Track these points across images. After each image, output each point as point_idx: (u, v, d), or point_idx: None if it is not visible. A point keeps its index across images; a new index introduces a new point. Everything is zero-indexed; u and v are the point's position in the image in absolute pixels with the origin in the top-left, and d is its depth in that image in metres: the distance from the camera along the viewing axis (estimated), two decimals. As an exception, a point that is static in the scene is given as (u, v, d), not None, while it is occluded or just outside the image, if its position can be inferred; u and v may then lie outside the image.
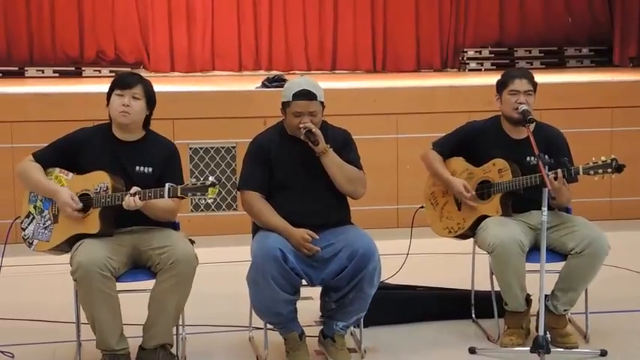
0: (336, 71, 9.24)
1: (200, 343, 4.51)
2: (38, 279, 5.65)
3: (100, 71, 8.67)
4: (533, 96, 4.55)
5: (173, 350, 4.21)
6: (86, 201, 4.10)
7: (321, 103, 4.29)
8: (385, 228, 6.44)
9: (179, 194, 3.98)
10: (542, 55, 9.42)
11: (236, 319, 4.71)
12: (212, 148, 6.82)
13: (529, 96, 4.51)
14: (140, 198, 3.99)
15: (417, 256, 5.28)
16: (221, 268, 5.72)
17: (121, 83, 4.19)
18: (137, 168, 4.18)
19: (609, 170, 4.27)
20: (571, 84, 7.52)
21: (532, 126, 4.45)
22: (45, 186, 4.17)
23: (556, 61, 9.41)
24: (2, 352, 4.33)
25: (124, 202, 4.00)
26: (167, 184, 3.99)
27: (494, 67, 9.02)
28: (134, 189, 4.01)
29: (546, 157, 4.19)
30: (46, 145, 4.30)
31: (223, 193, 6.84)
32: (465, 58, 9.34)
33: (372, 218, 6.29)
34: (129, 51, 8.95)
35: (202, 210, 6.81)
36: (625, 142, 6.97)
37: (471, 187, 4.55)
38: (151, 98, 4.23)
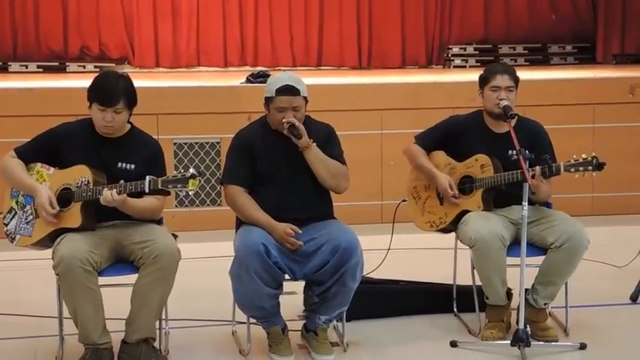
0: (322, 67, 9.25)
1: (183, 338, 4.53)
2: (21, 274, 5.63)
3: (84, 67, 8.65)
4: (515, 92, 4.57)
5: (156, 344, 4.21)
6: (67, 195, 4.10)
7: (305, 98, 4.30)
8: (369, 224, 6.46)
9: (160, 186, 3.98)
10: (526, 52, 9.48)
11: (219, 314, 4.72)
12: (196, 143, 6.82)
13: (510, 92, 4.54)
14: (118, 192, 3.99)
15: (399, 251, 5.31)
16: (205, 263, 5.73)
17: (101, 99, 4.08)
18: (119, 164, 4.16)
19: (590, 168, 4.31)
20: (554, 80, 7.57)
21: (514, 121, 4.48)
22: (25, 183, 4.16)
23: (540, 58, 9.46)
24: (-16, 346, 4.35)
25: (101, 197, 3.99)
26: (148, 177, 3.99)
27: (479, 64, 9.05)
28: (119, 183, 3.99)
29: (527, 152, 4.23)
30: (28, 140, 4.30)
31: (207, 188, 6.85)
32: (449, 55, 9.38)
33: (357, 214, 6.32)
34: (113, 46, 8.93)
35: (187, 205, 6.82)
36: (607, 139, 7.02)
37: (454, 183, 4.58)
38: (132, 103, 4.15)
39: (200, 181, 4.00)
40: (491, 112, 4.57)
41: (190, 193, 4.03)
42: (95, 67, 8.42)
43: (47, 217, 4.08)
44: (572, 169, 4.32)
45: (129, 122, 4.26)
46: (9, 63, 8.56)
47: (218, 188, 6.72)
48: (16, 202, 4.25)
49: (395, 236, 5.09)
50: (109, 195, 3.98)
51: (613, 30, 9.39)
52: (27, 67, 8.54)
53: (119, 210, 4.09)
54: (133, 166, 4.17)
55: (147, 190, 4.01)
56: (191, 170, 3.98)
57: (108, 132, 4.16)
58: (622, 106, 7.23)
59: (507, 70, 4.59)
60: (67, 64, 8.71)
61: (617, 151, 6.87)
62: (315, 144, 4.28)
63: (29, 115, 6.32)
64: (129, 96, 4.13)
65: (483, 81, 4.60)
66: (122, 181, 4.04)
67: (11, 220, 4.24)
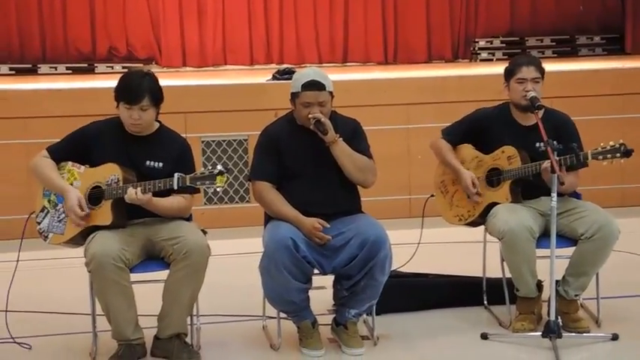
0: (348, 64, 9.25)
1: (214, 333, 4.56)
2: (54, 272, 5.71)
3: (112, 67, 8.72)
4: (541, 83, 4.55)
5: (188, 340, 4.25)
6: (98, 193, 4.15)
7: (330, 93, 4.32)
8: (398, 218, 6.47)
9: (188, 183, 4.02)
10: (553, 44, 9.39)
11: (250, 309, 4.74)
12: (224, 141, 6.87)
13: (536, 83, 4.52)
14: (147, 190, 4.02)
15: (429, 245, 5.30)
16: (234, 259, 5.76)
17: (127, 98, 4.13)
18: (147, 162, 4.20)
19: (618, 155, 4.28)
20: (582, 71, 7.52)
21: (541, 112, 4.47)
22: (55, 184, 4.21)
23: (568, 50, 9.38)
24: (19, 343, 4.40)
25: (126, 195, 4.03)
26: (176, 174, 4.02)
27: (506, 57, 8.99)
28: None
29: (555, 142, 4.21)
30: (59, 140, 4.36)
31: (236, 185, 6.89)
32: (476, 49, 9.33)
33: (385, 209, 6.32)
34: (141, 47, 8.99)
35: (216, 203, 6.86)
36: (636, 129, 6.93)
37: (479, 177, 4.57)
38: (158, 100, 4.19)
39: (228, 178, 4.03)
40: (518, 104, 4.55)
41: (218, 189, 4.06)
42: (123, 67, 8.48)
43: (76, 220, 4.13)
44: (600, 157, 4.29)
45: (157, 121, 4.30)
46: (38, 65, 8.65)
47: (246, 185, 6.76)
48: (49, 201, 4.30)
49: (424, 230, 5.08)
50: (133, 193, 4.02)
51: (641, 20, 9.31)
52: (56, 69, 8.63)
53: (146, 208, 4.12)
54: (161, 164, 4.20)
55: (175, 187, 4.05)
56: (219, 167, 4.01)
57: (136, 130, 4.21)
58: (652, 97, 7.18)
59: (533, 62, 4.57)
60: (95, 65, 8.79)
61: (647, 142, 6.82)
62: (341, 139, 4.29)
63: (59, 115, 6.39)
64: (154, 93, 4.17)
65: (509, 73, 4.58)
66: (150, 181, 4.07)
67: (44, 218, 4.30)
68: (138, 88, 4.14)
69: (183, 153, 4.28)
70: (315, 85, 4.26)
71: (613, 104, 7.11)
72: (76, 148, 4.27)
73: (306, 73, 4.36)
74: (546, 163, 4.26)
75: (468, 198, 4.63)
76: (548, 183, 4.21)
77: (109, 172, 4.14)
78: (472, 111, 4.81)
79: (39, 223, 4.32)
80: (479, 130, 4.67)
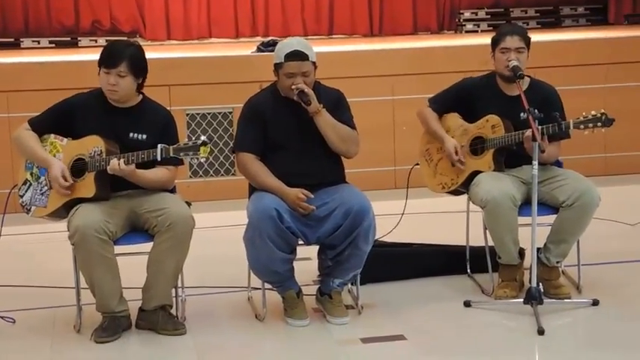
0: (333, 36, 9.22)
1: (199, 304, 4.58)
2: (38, 246, 5.70)
3: (96, 41, 8.65)
4: (526, 52, 4.56)
5: (173, 311, 4.28)
6: (81, 165, 4.14)
7: (313, 63, 4.31)
8: (383, 189, 6.49)
9: (171, 154, 4.02)
10: (537, 14, 9.40)
11: (235, 281, 4.76)
12: (209, 113, 6.85)
13: (520, 53, 4.52)
14: (130, 161, 4.02)
15: (413, 215, 5.33)
16: (219, 232, 5.77)
17: (105, 61, 4.14)
18: (131, 134, 4.19)
19: (599, 124, 4.31)
20: (565, 41, 7.53)
21: (525, 82, 4.49)
22: (38, 156, 4.20)
23: (552, 21, 9.39)
24: (3, 317, 4.40)
25: (108, 166, 4.02)
26: (159, 145, 4.02)
27: (491, 29, 8.98)
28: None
29: (536, 111, 4.22)
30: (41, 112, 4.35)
31: (221, 158, 6.89)
32: (461, 20, 9.33)
33: (370, 180, 6.34)
34: (124, 20, 8.93)
35: (201, 175, 6.87)
36: (619, 98, 6.97)
37: (464, 145, 4.59)
38: (138, 70, 4.17)
39: (212, 149, 4.03)
40: (501, 74, 4.57)
41: (202, 160, 4.06)
42: (107, 41, 8.33)
43: (60, 190, 4.13)
44: (582, 126, 4.32)
45: (141, 93, 4.29)
46: (21, 39, 8.58)
47: (231, 158, 6.75)
48: (31, 174, 4.29)
49: (408, 201, 5.10)
50: (115, 164, 4.01)
51: (625, -10, 9.31)
52: (39, 43, 8.56)
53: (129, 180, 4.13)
54: (144, 136, 4.20)
55: (159, 159, 4.04)
56: (202, 138, 4.01)
57: (114, 98, 4.19)
58: (634, 66, 7.19)
59: (517, 31, 4.57)
60: (78, 38, 8.72)
61: (629, 111, 6.85)
62: (324, 109, 4.29)
63: (42, 89, 6.35)
64: (134, 61, 4.15)
65: (494, 43, 4.58)
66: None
67: (26, 191, 4.30)
68: (118, 54, 4.13)
69: (166, 124, 4.27)
70: (298, 55, 4.25)
71: (596, 73, 7.13)
72: (58, 120, 4.25)
73: (288, 43, 4.35)
74: (529, 132, 4.29)
75: (453, 165, 4.65)
76: (529, 151, 4.23)
77: (92, 144, 4.13)
78: (459, 80, 4.82)
79: (21, 196, 4.31)
80: (465, 99, 4.68)
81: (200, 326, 4.31)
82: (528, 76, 4.60)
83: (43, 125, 4.26)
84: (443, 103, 4.74)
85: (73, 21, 8.81)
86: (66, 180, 4.11)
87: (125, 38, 8.19)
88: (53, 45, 8.57)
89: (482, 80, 4.72)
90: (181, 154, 4.02)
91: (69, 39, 8.70)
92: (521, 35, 4.55)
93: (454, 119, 4.71)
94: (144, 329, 4.24)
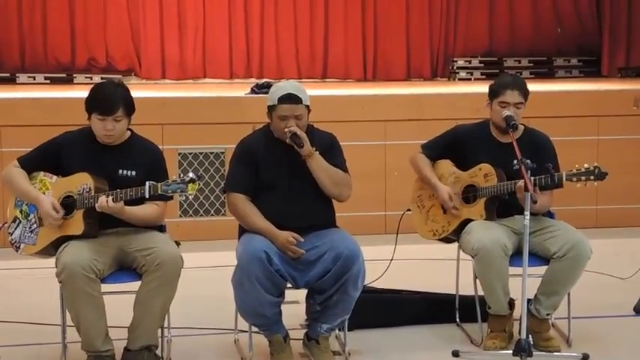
0: (327, 79, 9.28)
1: (185, 345, 4.54)
2: (24, 282, 5.64)
3: (91, 78, 8.67)
4: (523, 108, 4.57)
5: (158, 352, 4.22)
6: (70, 203, 4.12)
7: (307, 106, 4.32)
8: (373, 234, 6.47)
9: (159, 191, 4.00)
10: (531, 65, 9.48)
11: (222, 322, 4.72)
12: (201, 153, 6.85)
13: (518, 109, 4.54)
14: (113, 199, 4.00)
15: (402, 262, 5.31)
16: (208, 272, 5.74)
17: (101, 108, 4.11)
18: (120, 171, 4.18)
19: (592, 177, 4.32)
20: (557, 92, 7.57)
21: (519, 130, 4.52)
22: (27, 193, 4.18)
23: (545, 71, 9.46)
24: (-13, 353, 4.36)
25: (97, 204, 4.00)
26: (147, 182, 4.01)
27: (484, 77, 9.07)
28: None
29: (528, 161, 4.23)
30: (31, 149, 4.33)
31: (212, 198, 6.87)
32: (454, 68, 9.40)
33: (360, 224, 6.33)
34: (120, 58, 8.98)
35: (191, 215, 6.84)
36: (611, 151, 7.02)
37: (456, 193, 4.59)
38: (131, 111, 4.18)
39: (199, 185, 4.02)
40: (498, 126, 4.58)
41: (190, 197, 4.05)
42: (102, 78, 8.44)
43: (54, 223, 4.10)
44: (574, 179, 4.33)
45: (129, 129, 4.29)
46: (17, 74, 8.61)
47: (222, 198, 6.74)
48: (20, 212, 4.27)
49: (398, 247, 5.09)
50: (104, 201, 3.99)
51: (618, 43, 9.40)
52: (34, 79, 8.59)
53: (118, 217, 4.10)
54: (134, 173, 4.19)
55: (147, 196, 4.03)
56: (190, 174, 4.00)
57: (109, 141, 4.19)
58: (626, 119, 7.24)
59: (517, 85, 4.55)
60: (74, 75, 8.76)
61: (621, 164, 6.87)
62: (317, 152, 4.29)
63: (36, 124, 6.35)
64: (127, 104, 4.16)
65: (493, 94, 4.59)
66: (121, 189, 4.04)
67: (15, 229, 4.27)
68: (111, 99, 4.12)
69: (155, 160, 4.27)
70: (291, 99, 4.27)
71: (588, 126, 7.17)
72: (47, 159, 4.24)
73: (283, 86, 4.37)
74: (521, 182, 4.29)
75: (444, 213, 4.64)
76: (522, 201, 4.23)
77: (81, 182, 4.12)
78: (452, 127, 4.83)
79: (11, 234, 4.28)
80: (458, 146, 4.69)
81: (185, 368, 4.27)
82: (522, 124, 4.61)
83: (31, 163, 4.25)
84: (436, 150, 4.75)
85: (69, 58, 8.85)
86: (57, 212, 4.07)
87: (120, 77, 8.24)
88: (48, 81, 8.60)
89: (475, 127, 4.74)
90: (169, 191, 4.01)
91: (64, 75, 8.74)
92: (520, 90, 4.54)
93: (446, 166, 4.72)
94: (128, 369, 4.19)
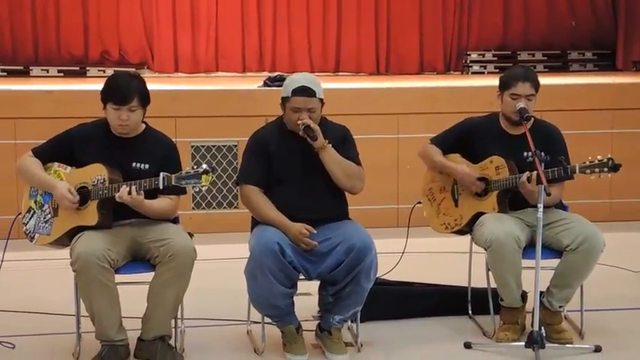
0: (340, 73, 9.27)
1: (198, 336, 4.55)
2: (39, 273, 5.69)
3: (104, 71, 8.68)
4: (535, 100, 4.56)
5: (172, 342, 4.25)
6: (84, 194, 4.14)
7: (321, 100, 4.33)
8: (385, 227, 6.47)
9: (173, 182, 4.01)
10: (545, 58, 9.43)
11: (234, 314, 4.74)
12: (213, 146, 6.87)
13: (530, 101, 4.52)
14: (136, 189, 4.01)
15: (415, 254, 5.32)
16: (221, 264, 5.75)
17: (116, 98, 4.12)
18: (134, 164, 4.19)
19: (605, 169, 4.30)
20: (572, 86, 7.54)
21: (530, 123, 4.50)
22: (43, 181, 4.21)
23: (559, 65, 9.41)
24: (3, 342, 4.38)
25: (117, 193, 4.01)
26: (162, 174, 4.02)
27: (497, 71, 9.03)
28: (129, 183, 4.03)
29: (542, 153, 4.22)
30: (45, 141, 4.35)
31: (225, 190, 6.89)
32: (468, 61, 9.36)
33: (373, 217, 6.33)
34: (133, 51, 8.99)
35: (204, 207, 6.86)
36: (625, 144, 6.99)
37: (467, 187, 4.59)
38: (146, 101, 4.20)
39: (212, 177, 4.03)
40: (509, 117, 4.57)
41: (203, 188, 4.06)
42: (115, 71, 8.45)
43: (71, 207, 4.11)
44: (588, 171, 4.32)
45: (143, 122, 4.30)
46: (30, 67, 8.64)
47: (235, 191, 6.76)
48: (35, 202, 4.30)
49: (410, 240, 5.09)
50: (125, 192, 4.01)
51: (633, 36, 9.33)
52: (48, 72, 8.62)
53: (135, 209, 4.12)
54: (147, 166, 4.20)
55: (161, 187, 4.04)
56: (204, 166, 4.01)
57: (124, 131, 4.20)
58: (641, 112, 7.22)
59: (529, 77, 4.53)
60: (87, 68, 8.78)
61: (636, 157, 6.86)
62: (330, 145, 4.30)
63: (49, 117, 6.38)
64: (143, 94, 4.17)
65: (504, 85, 4.57)
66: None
67: (30, 219, 4.30)
68: (127, 89, 4.14)
69: (169, 153, 4.28)
70: (305, 91, 4.27)
71: (602, 119, 7.15)
72: (61, 150, 4.26)
73: (297, 78, 4.37)
74: (524, 177, 4.28)
75: (456, 206, 4.63)
76: (525, 195, 4.24)
77: (95, 173, 4.14)
78: (461, 120, 4.83)
79: (25, 224, 4.31)
80: (468, 139, 4.68)
81: (198, 358, 4.29)
82: (532, 116, 4.60)
83: (46, 154, 4.28)
84: (445, 143, 4.74)
85: (82, 51, 8.87)
86: (73, 195, 4.09)
87: (126, 69, 8.25)
88: (62, 74, 8.62)
89: (484, 120, 4.73)
90: (183, 182, 4.02)
91: (77, 68, 8.76)
92: (532, 82, 4.52)
93: (456, 160, 4.70)
94: (142, 359, 4.21)
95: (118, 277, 4.12)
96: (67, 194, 4.10)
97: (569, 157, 4.53)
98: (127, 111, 4.13)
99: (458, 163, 4.64)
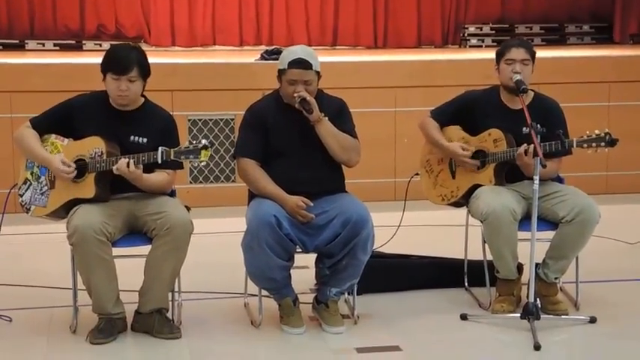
0: (337, 47, 9.24)
1: (196, 309, 4.57)
2: (36, 246, 5.70)
3: (100, 45, 8.65)
4: (531, 66, 4.55)
5: (169, 315, 4.26)
6: (81, 166, 4.14)
7: (317, 72, 4.31)
8: (382, 201, 6.48)
9: (172, 157, 4.01)
10: (542, 32, 9.41)
11: (231, 287, 4.75)
12: (210, 119, 6.86)
13: (525, 65, 4.51)
14: (135, 163, 4.01)
15: (411, 227, 5.33)
16: (218, 238, 5.77)
17: (115, 68, 4.11)
18: (132, 138, 4.18)
19: (602, 144, 4.31)
20: (570, 58, 7.54)
21: (528, 95, 4.49)
22: (38, 154, 4.20)
23: (557, 38, 9.40)
24: (0, 316, 4.39)
25: (115, 166, 4.01)
26: (160, 148, 4.02)
27: (495, 44, 8.99)
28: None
29: (539, 126, 4.22)
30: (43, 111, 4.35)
31: (222, 164, 6.89)
32: (465, 35, 9.34)
33: (370, 191, 6.35)
34: (130, 25, 8.95)
35: (201, 181, 6.86)
36: (622, 117, 7.00)
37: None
38: (146, 73, 4.19)
39: (211, 152, 4.02)
40: (506, 85, 4.56)
41: (202, 164, 4.06)
42: (111, 45, 8.41)
43: (68, 178, 4.10)
44: (585, 145, 4.32)
45: (143, 96, 4.29)
46: (26, 41, 8.60)
47: (232, 164, 6.76)
48: (31, 174, 4.29)
49: (407, 213, 5.10)
50: (124, 164, 4.00)
51: (631, 9, 9.31)
52: (44, 45, 8.59)
53: (132, 183, 4.12)
54: (145, 140, 4.19)
55: (159, 161, 4.04)
56: (203, 141, 4.01)
57: (123, 102, 4.19)
58: (638, 85, 7.21)
59: (523, 44, 4.57)
60: (83, 42, 8.74)
61: (632, 130, 6.86)
62: (326, 118, 4.29)
63: (45, 90, 6.35)
64: (142, 65, 4.16)
65: (499, 55, 4.58)
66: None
67: (26, 191, 4.30)
68: (127, 59, 4.12)
69: (167, 127, 4.27)
70: (301, 64, 4.26)
71: (599, 91, 7.14)
72: (59, 121, 4.25)
73: (294, 50, 4.36)
74: (521, 149, 4.29)
75: (453, 178, 4.64)
76: (522, 167, 4.24)
77: (93, 145, 4.13)
78: (461, 93, 4.82)
79: (21, 196, 4.31)
80: (467, 111, 4.67)
81: (195, 331, 4.30)
82: (532, 90, 4.60)
83: (44, 125, 4.26)
84: (445, 115, 4.74)
85: (78, 25, 8.83)
86: (68, 166, 4.08)
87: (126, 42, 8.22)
88: (58, 48, 8.59)
89: (484, 93, 4.72)
90: (182, 157, 4.02)
91: (74, 42, 8.73)
92: (526, 48, 4.55)
93: (455, 131, 4.70)
94: (139, 332, 4.23)
95: (115, 251, 4.13)
96: (62, 166, 4.09)
97: (568, 132, 4.53)
98: (126, 81, 4.12)
99: (453, 139, 4.63)
